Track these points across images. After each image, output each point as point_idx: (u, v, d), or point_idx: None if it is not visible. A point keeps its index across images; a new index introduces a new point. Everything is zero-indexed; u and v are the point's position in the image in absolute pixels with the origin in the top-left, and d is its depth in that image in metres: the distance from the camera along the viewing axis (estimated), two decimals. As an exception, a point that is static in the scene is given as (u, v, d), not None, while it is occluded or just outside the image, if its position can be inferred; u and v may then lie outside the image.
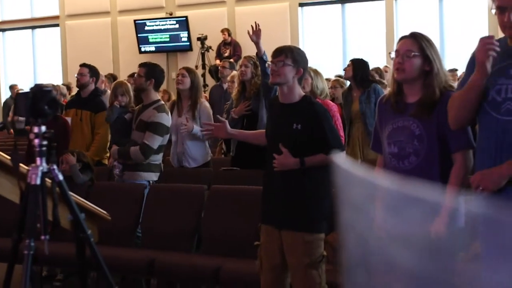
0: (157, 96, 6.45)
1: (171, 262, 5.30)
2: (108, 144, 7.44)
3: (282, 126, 4.28)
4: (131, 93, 6.88)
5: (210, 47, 15.15)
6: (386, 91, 5.04)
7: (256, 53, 6.17)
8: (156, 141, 6.21)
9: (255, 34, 6.02)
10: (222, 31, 15.04)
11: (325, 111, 4.34)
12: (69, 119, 7.21)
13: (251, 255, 4.51)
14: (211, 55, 15.22)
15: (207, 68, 15.06)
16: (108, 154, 7.30)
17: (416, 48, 3.56)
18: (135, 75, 6.59)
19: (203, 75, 15.03)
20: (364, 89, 7.27)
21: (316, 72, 6.50)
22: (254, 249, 4.40)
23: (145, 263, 5.33)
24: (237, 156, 6.64)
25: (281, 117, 4.31)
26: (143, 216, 5.99)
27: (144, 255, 5.46)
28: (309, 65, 4.50)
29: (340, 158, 1.62)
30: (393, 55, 3.62)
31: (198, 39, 15.16)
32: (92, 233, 3.46)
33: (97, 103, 7.36)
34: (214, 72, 14.04)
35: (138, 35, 15.99)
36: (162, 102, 6.44)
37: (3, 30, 18.16)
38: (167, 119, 6.31)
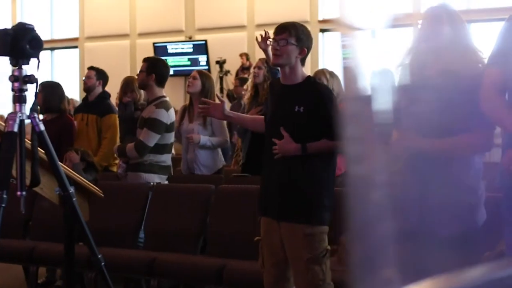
0: (161, 92, 6.06)
1: (171, 261, 4.99)
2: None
3: (283, 109, 3.97)
4: (141, 90, 6.65)
5: (229, 71, 14.99)
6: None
7: (266, 61, 5.96)
8: (152, 138, 5.84)
9: (264, 42, 5.80)
10: (241, 55, 14.89)
11: (330, 93, 4.03)
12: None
13: (257, 255, 4.18)
14: (230, 79, 15.04)
15: (226, 92, 14.88)
16: (117, 161, 6.97)
17: None
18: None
19: (221, 99, 14.83)
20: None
21: (332, 74, 6.23)
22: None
23: (145, 263, 5.03)
24: (247, 162, 6.36)
25: (282, 99, 3.98)
26: (147, 217, 5.70)
27: (144, 255, 5.16)
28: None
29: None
30: None
31: (217, 62, 15.03)
32: (81, 206, 3.19)
33: (104, 106, 6.99)
34: (232, 96, 13.86)
35: (158, 58, 15.84)
36: (166, 99, 6.08)
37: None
38: (165, 115, 5.92)
